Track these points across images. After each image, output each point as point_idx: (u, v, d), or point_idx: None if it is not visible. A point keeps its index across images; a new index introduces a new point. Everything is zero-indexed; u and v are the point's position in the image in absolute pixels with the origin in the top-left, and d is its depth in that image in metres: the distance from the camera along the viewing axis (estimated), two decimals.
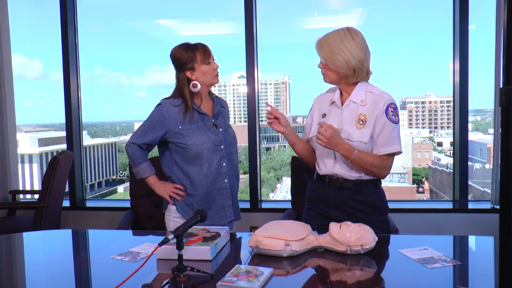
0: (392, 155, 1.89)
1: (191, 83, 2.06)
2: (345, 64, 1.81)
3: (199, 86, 2.06)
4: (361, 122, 1.86)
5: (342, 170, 1.89)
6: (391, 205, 2.01)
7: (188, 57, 2.05)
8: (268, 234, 1.59)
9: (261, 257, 1.58)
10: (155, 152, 2.24)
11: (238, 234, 1.92)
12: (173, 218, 2.12)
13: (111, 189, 8.32)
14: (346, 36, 1.82)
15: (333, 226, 1.61)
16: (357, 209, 1.89)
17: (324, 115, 1.97)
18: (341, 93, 1.94)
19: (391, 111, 1.84)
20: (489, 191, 3.46)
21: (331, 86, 2.01)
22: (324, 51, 1.84)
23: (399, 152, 1.87)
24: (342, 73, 1.85)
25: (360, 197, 1.89)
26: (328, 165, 1.92)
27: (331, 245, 1.59)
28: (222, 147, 2.09)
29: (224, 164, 2.10)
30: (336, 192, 1.91)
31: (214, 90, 2.23)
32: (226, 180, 2.12)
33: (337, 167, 1.90)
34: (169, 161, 2.13)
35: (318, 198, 1.98)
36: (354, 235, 1.56)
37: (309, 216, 2.01)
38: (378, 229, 1.77)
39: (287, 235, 1.58)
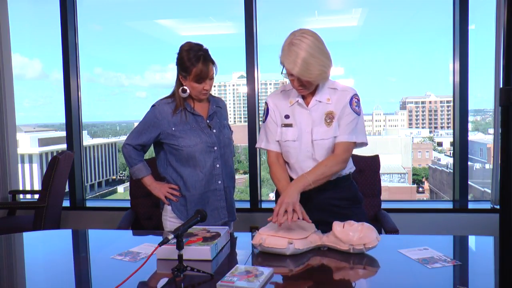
0: (350, 146, 1.83)
1: (181, 88, 2.06)
2: (326, 71, 1.75)
3: (187, 92, 2.06)
4: (328, 120, 1.83)
5: None
6: (391, 205, 2.01)
7: (185, 67, 2.00)
8: (272, 233, 1.60)
9: (264, 255, 1.59)
10: (151, 153, 2.24)
11: (238, 234, 1.92)
12: (169, 218, 2.14)
13: (111, 189, 8.31)
14: (314, 45, 1.69)
15: (336, 225, 1.61)
16: (341, 206, 1.89)
17: (287, 117, 1.88)
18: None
19: (355, 102, 1.83)
20: (489, 191, 3.46)
21: (283, 86, 1.93)
22: (303, 69, 1.68)
23: (363, 144, 1.85)
24: (321, 80, 1.79)
25: (342, 194, 1.88)
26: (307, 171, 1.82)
27: (334, 244, 1.60)
28: (215, 148, 2.09)
29: (218, 166, 2.10)
30: (319, 194, 1.86)
31: (214, 90, 2.22)
32: (220, 182, 2.12)
33: None
34: (164, 162, 2.14)
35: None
36: (357, 234, 1.56)
37: None
38: (358, 221, 1.67)
39: (290, 234, 1.59)
